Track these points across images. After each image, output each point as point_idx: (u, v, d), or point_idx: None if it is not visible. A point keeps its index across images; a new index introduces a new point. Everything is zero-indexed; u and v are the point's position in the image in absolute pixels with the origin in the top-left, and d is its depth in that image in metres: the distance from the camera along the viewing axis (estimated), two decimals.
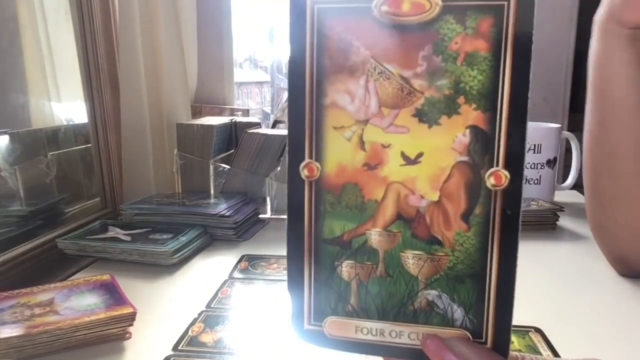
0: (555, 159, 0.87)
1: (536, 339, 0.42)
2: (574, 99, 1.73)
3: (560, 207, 0.76)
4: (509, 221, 0.31)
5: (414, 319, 0.34)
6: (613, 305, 0.50)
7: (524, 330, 0.44)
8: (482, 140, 0.31)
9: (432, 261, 0.33)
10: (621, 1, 0.49)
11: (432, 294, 0.33)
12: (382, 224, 0.33)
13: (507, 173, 0.31)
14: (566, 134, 0.88)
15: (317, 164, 0.33)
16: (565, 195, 0.93)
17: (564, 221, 0.77)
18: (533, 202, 0.79)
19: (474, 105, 0.31)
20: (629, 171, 0.51)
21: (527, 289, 0.48)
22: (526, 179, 0.88)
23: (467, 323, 0.33)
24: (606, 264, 0.58)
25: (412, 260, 0.33)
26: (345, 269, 0.34)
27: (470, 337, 0.34)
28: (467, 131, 0.31)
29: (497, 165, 0.31)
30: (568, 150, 0.92)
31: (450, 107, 0.31)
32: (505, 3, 0.29)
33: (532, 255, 0.64)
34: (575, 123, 1.57)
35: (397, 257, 0.33)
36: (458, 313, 0.33)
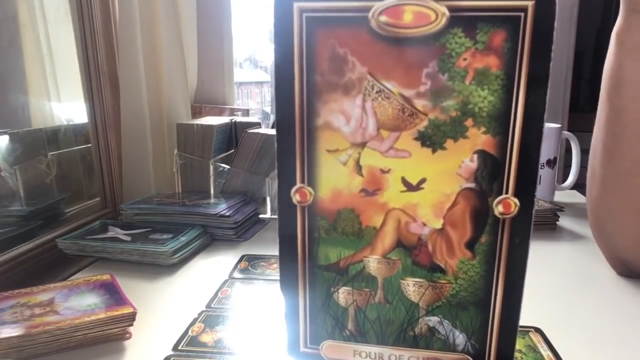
0: (555, 159, 0.87)
1: (536, 339, 0.42)
2: (574, 99, 1.73)
3: (560, 207, 0.76)
4: (516, 250, 0.30)
5: (415, 343, 0.33)
6: (613, 305, 0.50)
7: (524, 331, 0.43)
8: (490, 166, 0.28)
9: (434, 289, 0.32)
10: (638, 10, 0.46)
11: (433, 320, 0.32)
12: (381, 251, 0.32)
13: (517, 201, 0.29)
14: (566, 134, 0.88)
15: (310, 189, 0.31)
16: (565, 195, 0.93)
17: (564, 221, 0.77)
18: None
19: (483, 129, 0.28)
20: None
21: (527, 289, 0.48)
22: None
23: (470, 348, 0.32)
24: (606, 264, 0.58)
25: (412, 288, 0.32)
26: (342, 295, 0.33)
27: None
28: (475, 156, 0.29)
29: (507, 193, 0.29)
30: (568, 150, 0.92)
31: (456, 130, 0.28)
32: (522, 15, 0.26)
33: (532, 255, 0.63)
34: (575, 123, 1.57)
35: (397, 284, 0.32)
36: (460, 338, 0.32)
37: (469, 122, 0.28)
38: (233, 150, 0.87)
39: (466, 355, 0.32)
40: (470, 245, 0.30)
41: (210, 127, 0.83)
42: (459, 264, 0.31)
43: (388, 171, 0.30)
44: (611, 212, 0.54)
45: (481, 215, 0.30)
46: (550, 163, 0.87)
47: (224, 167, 0.84)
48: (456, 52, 0.27)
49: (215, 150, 0.84)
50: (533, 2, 0.26)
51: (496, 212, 0.29)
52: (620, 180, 0.52)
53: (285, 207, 0.32)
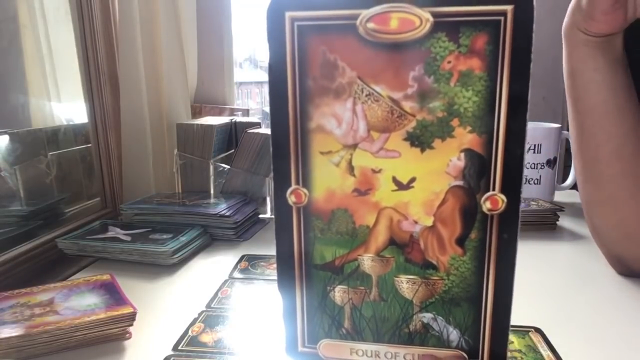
0: (555, 159, 0.87)
1: (536, 339, 0.42)
2: None
3: (560, 207, 0.76)
4: (505, 245, 0.30)
5: (410, 340, 0.33)
6: (613, 305, 0.50)
7: (524, 330, 0.43)
8: (477, 164, 0.29)
9: (427, 285, 0.32)
10: (583, 14, 0.49)
11: (427, 316, 0.33)
12: (374, 249, 0.32)
13: (503, 197, 0.30)
14: (566, 134, 0.88)
15: (305, 190, 0.32)
16: (565, 195, 0.93)
17: (564, 221, 0.77)
18: (533, 202, 0.79)
19: (468, 128, 0.29)
20: (613, 174, 0.52)
21: (527, 289, 0.48)
22: (526, 179, 0.88)
23: (463, 344, 0.33)
24: (606, 264, 0.58)
25: (406, 285, 0.33)
26: (338, 293, 0.34)
27: (467, 357, 0.33)
28: (462, 155, 0.30)
29: (494, 189, 0.30)
30: (568, 150, 0.92)
31: (443, 130, 0.29)
32: (502, 18, 0.27)
33: (532, 255, 0.63)
34: None
35: (391, 282, 0.33)
36: (454, 334, 0.33)
37: (455, 122, 0.29)
38: (233, 150, 0.87)
39: (460, 352, 0.33)
40: (461, 241, 0.31)
41: (210, 127, 0.83)
42: (451, 260, 0.32)
43: (379, 171, 0.31)
44: (593, 204, 0.56)
45: (470, 212, 0.30)
46: (550, 163, 0.87)
47: (224, 167, 0.84)
48: (441, 55, 0.28)
49: (215, 150, 0.84)
50: (512, 6, 0.27)
51: (484, 209, 0.30)
52: (591, 169, 0.54)
53: (281, 209, 0.33)
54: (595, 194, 0.54)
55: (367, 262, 0.33)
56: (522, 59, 0.27)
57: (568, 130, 0.91)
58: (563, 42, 0.53)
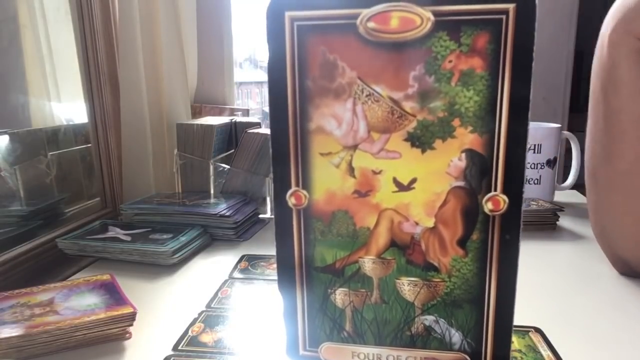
0: (555, 159, 0.87)
1: (536, 339, 0.42)
2: (574, 99, 1.73)
3: (560, 207, 0.76)
4: (507, 246, 0.30)
5: (412, 343, 0.33)
6: (613, 305, 0.50)
7: (524, 330, 0.43)
8: (479, 165, 0.29)
9: (429, 287, 0.32)
10: (636, 14, 0.46)
11: (429, 319, 0.33)
12: (375, 251, 0.32)
13: (505, 198, 0.29)
14: (566, 134, 0.88)
15: (305, 192, 0.32)
16: (565, 195, 0.93)
17: (564, 221, 0.77)
18: (533, 202, 0.79)
19: (470, 128, 0.29)
20: None
21: (527, 288, 0.48)
22: (526, 179, 0.87)
23: (466, 346, 0.33)
24: (607, 264, 0.58)
25: (407, 287, 0.32)
26: (339, 296, 0.34)
27: (469, 359, 0.33)
28: (463, 155, 0.29)
29: (495, 190, 0.29)
30: (568, 150, 0.92)
31: (444, 130, 0.29)
32: (503, 17, 0.27)
33: (532, 255, 0.63)
34: (575, 123, 1.57)
35: (392, 284, 0.32)
36: (456, 337, 0.33)
37: (456, 122, 0.29)
38: (233, 150, 0.87)
39: (463, 354, 0.33)
40: (462, 242, 0.31)
41: (210, 127, 0.83)
42: (452, 262, 0.31)
43: (380, 172, 0.31)
44: (611, 213, 0.54)
45: (471, 213, 0.30)
46: (550, 163, 0.87)
47: (224, 167, 0.84)
48: (442, 54, 0.28)
49: (215, 150, 0.84)
50: (514, 5, 0.26)
51: (486, 210, 0.30)
52: (621, 181, 0.52)
53: (281, 211, 0.33)
54: (621, 206, 0.53)
55: (368, 264, 0.33)
56: (524, 59, 0.27)
57: (568, 130, 0.91)
58: (605, 47, 0.50)
